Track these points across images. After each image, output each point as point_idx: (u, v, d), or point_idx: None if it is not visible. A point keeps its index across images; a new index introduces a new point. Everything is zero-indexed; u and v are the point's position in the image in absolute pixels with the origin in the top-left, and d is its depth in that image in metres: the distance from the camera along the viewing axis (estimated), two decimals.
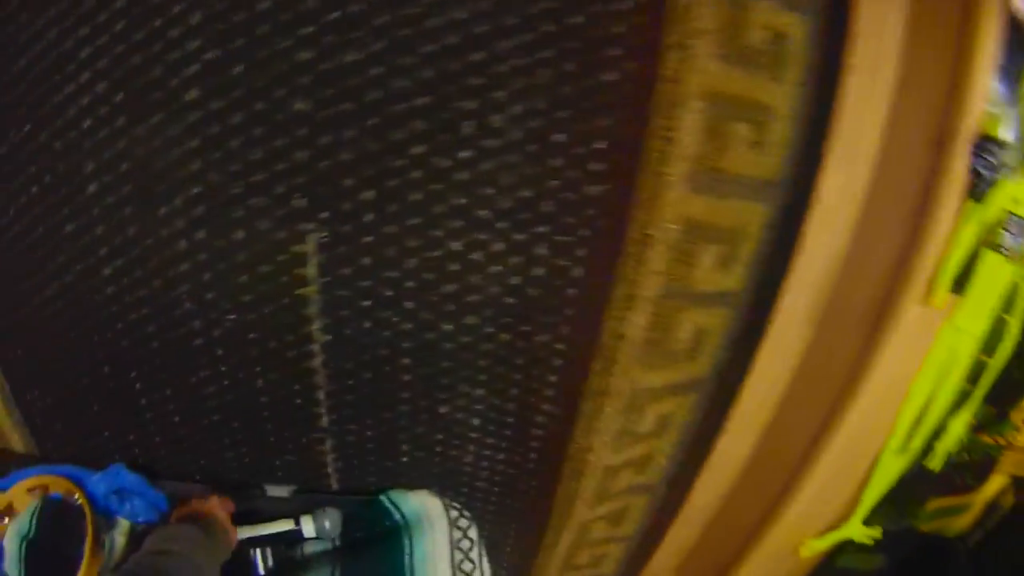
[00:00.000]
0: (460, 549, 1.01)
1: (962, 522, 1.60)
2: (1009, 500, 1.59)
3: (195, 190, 0.85)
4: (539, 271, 0.86)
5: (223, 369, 0.97)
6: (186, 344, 0.95)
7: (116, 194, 0.87)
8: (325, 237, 0.85)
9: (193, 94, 0.80)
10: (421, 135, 0.79)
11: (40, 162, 0.87)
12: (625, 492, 1.16)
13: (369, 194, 0.82)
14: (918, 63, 0.96)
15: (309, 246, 0.86)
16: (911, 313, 1.05)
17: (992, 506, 1.61)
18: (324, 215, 0.84)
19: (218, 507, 0.95)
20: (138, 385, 1.01)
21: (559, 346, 0.92)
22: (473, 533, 1.02)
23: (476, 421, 0.98)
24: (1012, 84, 1.01)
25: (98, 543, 0.99)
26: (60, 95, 0.83)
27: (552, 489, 1.06)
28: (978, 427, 1.41)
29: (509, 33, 0.76)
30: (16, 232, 0.92)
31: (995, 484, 1.56)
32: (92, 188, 0.87)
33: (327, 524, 0.99)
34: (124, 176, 0.86)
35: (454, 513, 1.02)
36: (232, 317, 0.92)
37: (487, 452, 1.02)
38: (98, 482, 1.03)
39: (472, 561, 1.02)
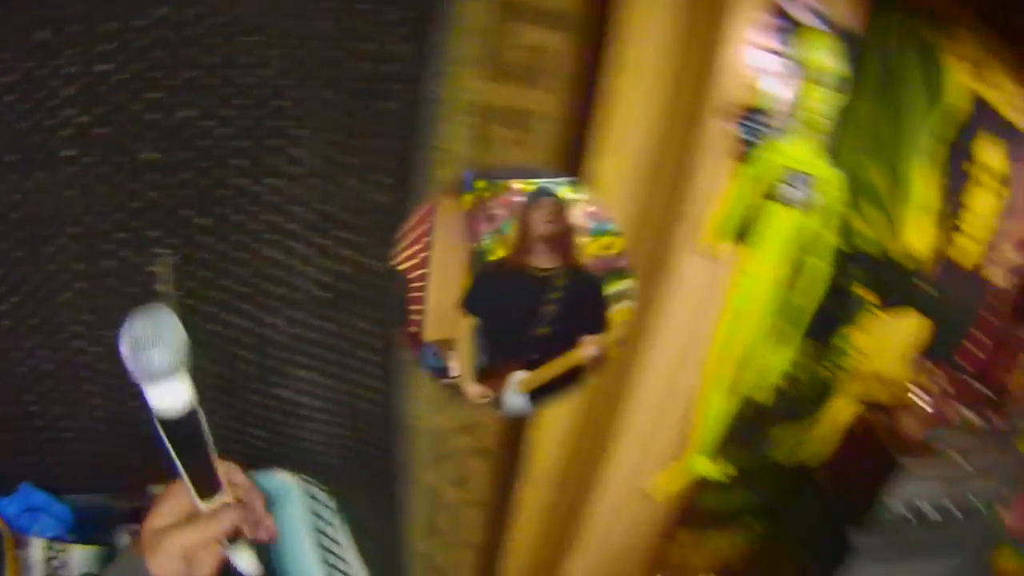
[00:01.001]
0: (321, 518, 1.16)
1: (818, 449, 1.69)
2: (861, 427, 1.73)
3: (73, 230, 1.07)
4: (346, 268, 1.10)
5: (105, 384, 1.16)
6: (71, 364, 1.14)
7: (9, 240, 1.07)
8: (175, 259, 1.08)
9: (69, 151, 1.01)
10: (241, 169, 1.04)
11: None
12: (463, 453, 1.34)
13: (205, 221, 1.06)
14: (682, 55, 1.15)
15: (164, 268, 1.08)
16: (691, 265, 1.21)
17: (849, 434, 1.72)
18: (173, 241, 1.07)
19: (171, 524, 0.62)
20: (34, 408, 1.18)
21: (377, 328, 1.15)
22: (332, 505, 1.18)
23: (313, 401, 1.18)
24: (786, 60, 1.19)
25: (16, 562, 1.10)
26: None
27: (391, 457, 1.25)
28: (813, 359, 1.55)
29: (304, 81, 1.01)
30: None
31: (837, 409, 1.67)
32: None
33: None
34: (16, 223, 1.05)
35: (311, 488, 1.19)
36: (108, 335, 1.12)
37: (323, 427, 1.22)
38: (8, 504, 1.15)
39: (331, 534, 1.17)
